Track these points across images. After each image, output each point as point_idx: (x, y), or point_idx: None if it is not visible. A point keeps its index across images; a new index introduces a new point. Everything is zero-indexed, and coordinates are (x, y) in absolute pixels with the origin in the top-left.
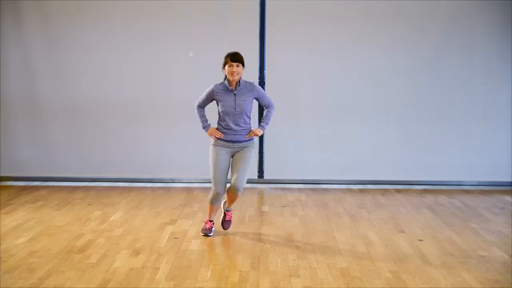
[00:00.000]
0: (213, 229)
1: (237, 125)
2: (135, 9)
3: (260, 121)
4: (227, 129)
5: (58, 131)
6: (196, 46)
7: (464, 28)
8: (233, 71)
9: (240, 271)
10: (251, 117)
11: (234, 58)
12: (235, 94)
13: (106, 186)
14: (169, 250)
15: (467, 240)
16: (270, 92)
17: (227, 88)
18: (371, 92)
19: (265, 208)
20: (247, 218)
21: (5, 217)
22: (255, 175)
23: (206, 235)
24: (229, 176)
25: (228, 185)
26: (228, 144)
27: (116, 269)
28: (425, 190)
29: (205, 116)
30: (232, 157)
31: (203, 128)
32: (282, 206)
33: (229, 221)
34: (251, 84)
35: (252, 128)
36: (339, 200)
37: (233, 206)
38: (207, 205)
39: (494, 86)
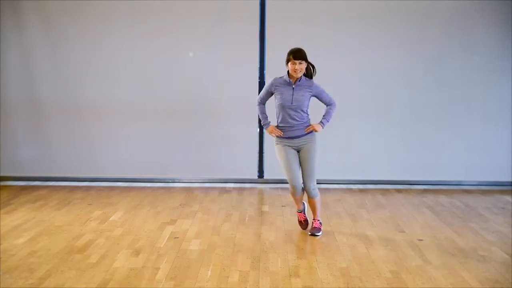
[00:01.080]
0: (308, 220)
1: (294, 119)
2: (135, 9)
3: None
4: (285, 125)
5: (58, 131)
6: (196, 46)
7: (465, 28)
8: (296, 69)
9: (240, 271)
10: (308, 113)
11: (297, 55)
12: (293, 88)
13: (106, 186)
14: (169, 250)
15: (467, 240)
16: None
17: (287, 82)
18: (371, 92)
19: (265, 208)
20: (247, 218)
21: (5, 217)
22: (255, 175)
23: (304, 229)
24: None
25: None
26: (289, 140)
27: (116, 269)
28: (425, 190)
29: (265, 113)
30: (298, 151)
31: (263, 125)
32: (282, 206)
33: (317, 228)
34: (311, 81)
35: (312, 123)
36: (339, 200)
37: (318, 216)
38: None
39: (494, 86)
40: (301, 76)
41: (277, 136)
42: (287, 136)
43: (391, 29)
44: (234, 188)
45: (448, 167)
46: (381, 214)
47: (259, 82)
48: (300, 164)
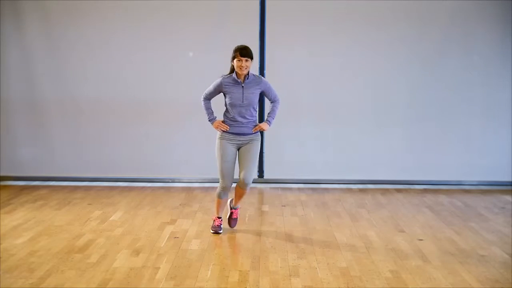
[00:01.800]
0: (221, 226)
1: (244, 117)
2: (135, 9)
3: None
4: (233, 121)
5: (58, 131)
6: (196, 46)
7: (464, 28)
8: (242, 66)
9: (240, 271)
10: (257, 110)
11: (244, 52)
12: (243, 86)
13: (106, 186)
14: (169, 250)
15: (467, 239)
16: None
17: (235, 81)
18: (371, 92)
19: (265, 208)
20: (247, 218)
21: (5, 216)
22: (255, 175)
23: (216, 232)
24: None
25: (232, 183)
26: (234, 137)
27: (116, 268)
28: (425, 190)
29: (211, 109)
30: (238, 150)
31: (209, 120)
32: (282, 206)
33: (236, 219)
34: (259, 77)
35: (258, 123)
36: (339, 199)
37: (239, 204)
38: (214, 200)
39: (494, 86)
40: (248, 73)
41: (222, 131)
42: (233, 132)
43: (391, 29)
44: (234, 188)
45: (448, 167)
46: (381, 214)
47: None
48: (240, 159)
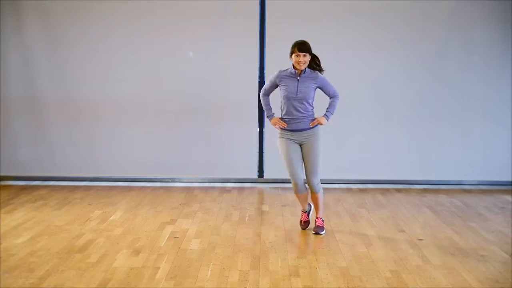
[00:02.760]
0: (308, 221)
1: (298, 111)
2: (135, 9)
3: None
4: (289, 117)
5: (58, 130)
6: (196, 46)
7: (464, 27)
8: (300, 61)
9: (240, 271)
10: (313, 105)
11: (302, 48)
12: (298, 80)
13: (106, 186)
14: (169, 250)
15: (467, 239)
16: None
17: (292, 74)
18: (371, 92)
19: (265, 208)
20: (247, 218)
21: (5, 216)
22: (255, 175)
23: (303, 229)
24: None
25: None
26: (293, 134)
27: (116, 268)
28: (425, 190)
29: (269, 105)
30: (300, 146)
31: (267, 117)
32: (282, 206)
33: (320, 227)
34: (316, 73)
35: (316, 117)
36: (339, 199)
37: (320, 213)
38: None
39: (494, 85)
40: (305, 68)
41: (281, 129)
42: (290, 129)
43: (391, 28)
44: (234, 188)
45: (448, 167)
46: (381, 214)
47: (259, 82)
48: (303, 159)
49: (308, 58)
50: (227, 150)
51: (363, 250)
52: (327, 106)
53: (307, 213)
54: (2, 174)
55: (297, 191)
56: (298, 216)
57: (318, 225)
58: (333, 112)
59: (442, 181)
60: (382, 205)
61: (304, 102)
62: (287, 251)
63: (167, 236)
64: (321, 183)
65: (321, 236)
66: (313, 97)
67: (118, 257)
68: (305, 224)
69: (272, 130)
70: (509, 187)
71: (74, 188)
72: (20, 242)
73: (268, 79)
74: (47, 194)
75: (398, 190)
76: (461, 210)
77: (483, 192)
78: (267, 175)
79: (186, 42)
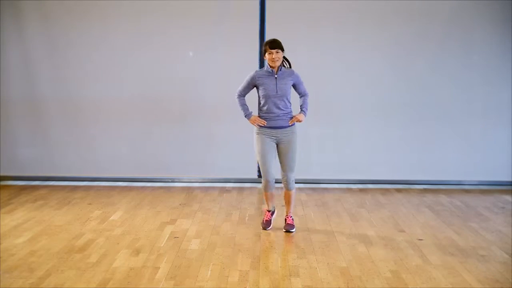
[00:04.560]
0: (271, 221)
1: (279, 108)
2: (135, 8)
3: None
4: (269, 114)
5: (58, 130)
6: (196, 46)
7: (464, 27)
8: (274, 58)
9: (240, 271)
10: (291, 103)
11: (273, 45)
12: (276, 77)
13: (106, 186)
14: (169, 250)
15: (467, 239)
16: None
17: (269, 72)
18: (371, 92)
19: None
20: (247, 218)
21: (5, 216)
22: (255, 175)
23: (264, 228)
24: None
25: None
26: (271, 131)
27: (116, 268)
28: (425, 190)
29: (246, 105)
30: (277, 144)
31: (245, 116)
32: (282, 206)
33: (289, 224)
34: (291, 70)
35: (294, 114)
36: (339, 199)
37: (291, 211)
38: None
39: (494, 85)
40: (280, 66)
41: (259, 126)
42: (270, 126)
43: (391, 29)
44: (234, 188)
45: (448, 167)
46: (381, 214)
47: None
48: (279, 155)
49: (281, 54)
50: (227, 150)
51: (363, 250)
52: (301, 103)
53: (271, 212)
54: (2, 174)
55: (267, 188)
56: (298, 216)
57: (288, 223)
58: (307, 108)
59: (442, 181)
60: (382, 205)
61: (284, 99)
62: (287, 251)
63: (167, 236)
64: (321, 183)
65: (293, 233)
66: (290, 94)
67: (118, 257)
68: (267, 223)
69: None
70: (509, 187)
71: (74, 188)
72: (20, 242)
73: (245, 80)
74: (47, 194)
75: (398, 190)
76: (461, 210)
77: (483, 192)
78: None
79: (186, 42)
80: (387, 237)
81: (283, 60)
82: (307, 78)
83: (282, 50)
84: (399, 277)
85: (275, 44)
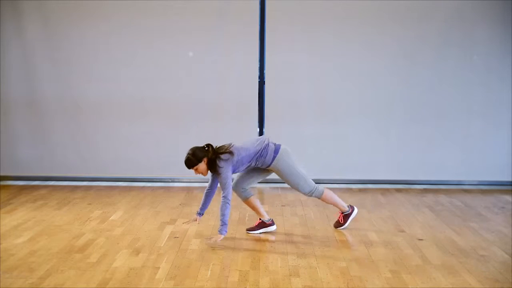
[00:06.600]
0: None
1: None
2: (135, 9)
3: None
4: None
5: (58, 130)
6: (196, 46)
7: (464, 28)
8: (197, 174)
9: (240, 270)
10: (256, 160)
11: (188, 166)
12: (232, 165)
13: (106, 186)
14: (169, 250)
15: (467, 239)
16: (270, 92)
17: (231, 161)
18: (371, 92)
19: (265, 208)
20: (247, 218)
21: (5, 216)
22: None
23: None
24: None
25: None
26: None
27: (116, 268)
28: (425, 190)
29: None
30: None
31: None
32: (282, 206)
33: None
34: (220, 164)
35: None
36: None
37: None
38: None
39: (494, 85)
40: (216, 165)
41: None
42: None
43: (391, 29)
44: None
45: (448, 167)
46: (381, 214)
47: (259, 82)
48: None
49: (201, 167)
50: None
51: (363, 250)
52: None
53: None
54: (2, 174)
55: (239, 198)
56: (298, 216)
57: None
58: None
59: (442, 181)
60: (382, 205)
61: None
62: (287, 251)
63: (167, 236)
64: (321, 183)
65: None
66: (248, 162)
67: (118, 257)
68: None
69: (272, 130)
70: (509, 187)
71: (74, 188)
72: (20, 242)
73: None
74: (47, 194)
75: (398, 190)
76: (461, 210)
77: (483, 192)
78: None
79: (186, 42)
80: (387, 237)
81: (215, 160)
82: (307, 78)
83: (197, 163)
84: (399, 277)
85: (188, 165)
